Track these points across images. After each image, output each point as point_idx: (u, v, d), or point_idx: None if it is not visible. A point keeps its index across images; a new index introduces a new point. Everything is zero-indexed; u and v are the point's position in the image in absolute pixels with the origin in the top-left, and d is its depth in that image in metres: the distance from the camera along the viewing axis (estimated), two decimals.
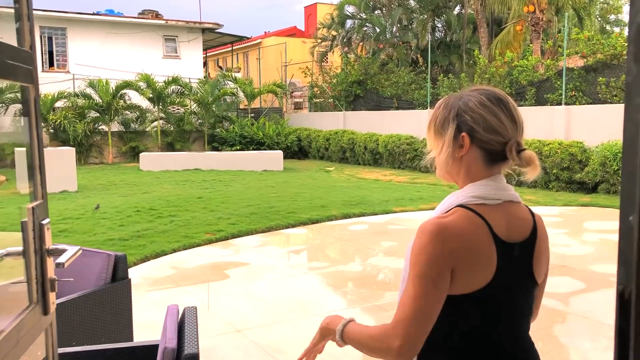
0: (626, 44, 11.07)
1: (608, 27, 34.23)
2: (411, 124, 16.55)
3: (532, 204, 10.31)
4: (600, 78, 12.32)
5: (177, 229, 7.84)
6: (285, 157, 17.99)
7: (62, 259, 1.42)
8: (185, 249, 6.99)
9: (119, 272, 3.39)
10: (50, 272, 1.38)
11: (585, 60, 13.13)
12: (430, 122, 1.45)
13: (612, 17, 35.60)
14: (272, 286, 5.58)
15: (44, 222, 1.35)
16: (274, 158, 16.95)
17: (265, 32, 37.96)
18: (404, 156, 15.97)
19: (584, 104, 12.73)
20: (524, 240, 1.41)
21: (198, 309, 2.29)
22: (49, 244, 1.37)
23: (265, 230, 8.01)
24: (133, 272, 5.99)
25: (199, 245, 7.18)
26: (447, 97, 1.45)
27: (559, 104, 13.02)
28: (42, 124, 17.02)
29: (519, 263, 1.39)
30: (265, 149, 19.01)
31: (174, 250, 6.86)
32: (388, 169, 16.33)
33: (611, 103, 12.05)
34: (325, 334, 1.47)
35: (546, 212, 9.42)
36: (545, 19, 16.61)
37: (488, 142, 1.35)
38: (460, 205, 1.34)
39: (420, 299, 1.27)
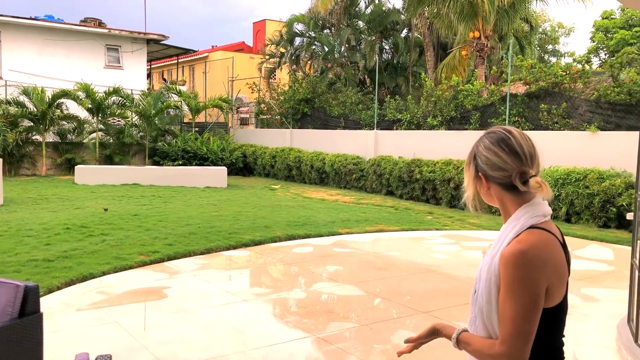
0: (566, 73, 11.30)
1: (546, 57, 35.69)
2: (358, 144, 16.49)
3: (476, 227, 10.33)
4: (542, 105, 12.59)
5: (108, 250, 7.31)
6: (229, 174, 17.57)
7: None
8: (116, 271, 6.49)
9: (28, 305, 2.95)
10: None
11: (528, 87, 13.41)
12: (465, 164, 1.75)
13: (550, 47, 37.17)
14: (209, 315, 5.19)
15: None
16: (217, 174, 16.49)
17: (212, 46, 37.47)
18: (350, 176, 15.85)
19: (526, 130, 12.96)
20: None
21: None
22: None
23: (204, 252, 7.59)
24: (55, 298, 5.47)
25: (131, 267, 6.69)
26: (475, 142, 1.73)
27: None
28: None
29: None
30: (209, 165, 18.51)
31: (104, 273, 6.35)
32: (334, 188, 16.15)
33: (552, 130, 12.31)
34: (437, 334, 1.72)
35: (490, 236, 9.41)
36: (490, 45, 16.98)
37: (497, 178, 1.62)
38: (532, 227, 1.54)
39: (523, 323, 1.46)
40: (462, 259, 7.63)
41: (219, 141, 20.01)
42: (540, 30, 32.27)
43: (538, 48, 32.85)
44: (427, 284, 6.32)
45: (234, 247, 7.95)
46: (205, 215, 10.29)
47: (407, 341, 1.75)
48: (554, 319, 1.55)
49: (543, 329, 1.52)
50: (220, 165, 18.32)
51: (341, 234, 9.15)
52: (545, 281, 1.47)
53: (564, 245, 1.59)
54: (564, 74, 12.67)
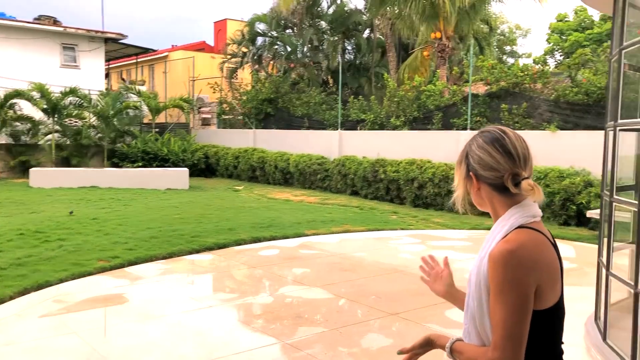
0: (525, 73, 11.45)
1: (504, 58, 36.39)
2: (322, 144, 16.42)
3: (440, 226, 10.38)
4: (503, 105, 12.77)
5: (65, 256, 7.02)
6: (191, 175, 17.25)
7: None
8: (74, 278, 6.23)
9: None
10: None
11: (489, 87, 13.58)
12: (456, 162, 1.71)
13: (508, 48, 37.93)
14: (172, 323, 5.01)
15: None
16: (179, 176, 16.17)
17: (172, 46, 36.83)
18: (315, 176, 15.76)
19: None
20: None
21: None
22: None
23: (166, 257, 7.37)
24: (8, 308, 5.21)
25: (90, 274, 6.44)
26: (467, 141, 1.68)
27: (465, 128, 13.35)
28: None
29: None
30: (169, 166, 18.13)
31: (61, 281, 6.08)
32: (299, 189, 16.04)
33: (513, 129, 12.48)
34: (431, 345, 1.67)
35: (455, 235, 9.48)
36: (451, 46, 17.16)
37: (489, 178, 1.57)
38: (520, 226, 1.50)
39: (514, 326, 1.41)
40: None
41: (180, 142, 19.63)
42: (499, 31, 32.88)
43: (497, 49, 33.46)
44: (394, 285, 6.27)
45: (197, 251, 7.75)
46: (167, 218, 10.04)
47: (400, 352, 1.70)
48: (549, 323, 1.49)
49: (539, 333, 1.48)
50: (182, 167, 17.98)
51: (307, 235, 9.05)
52: (535, 282, 1.43)
53: (554, 246, 1.54)
54: (523, 74, 12.88)
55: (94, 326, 4.92)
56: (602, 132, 9.49)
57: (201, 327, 4.92)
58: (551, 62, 36.43)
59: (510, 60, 35.70)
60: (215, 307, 5.49)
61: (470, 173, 1.60)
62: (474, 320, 1.52)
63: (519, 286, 1.41)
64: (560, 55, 36.64)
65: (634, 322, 3.34)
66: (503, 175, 1.53)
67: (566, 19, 37.69)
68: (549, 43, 37.89)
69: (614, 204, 3.76)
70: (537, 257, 1.45)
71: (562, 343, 1.56)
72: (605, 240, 3.95)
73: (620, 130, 3.71)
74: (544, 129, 11.77)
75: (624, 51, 3.64)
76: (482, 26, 21.55)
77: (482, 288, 1.48)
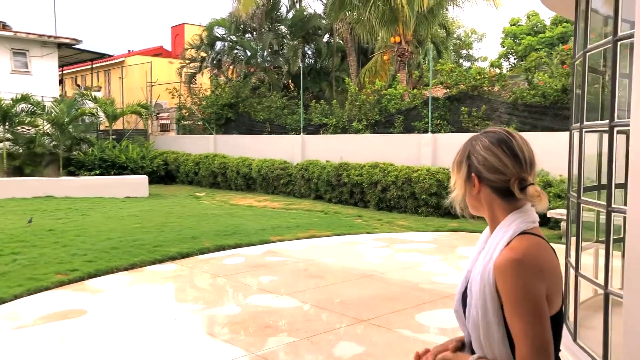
0: (483, 77, 11.61)
1: (461, 61, 37.06)
2: (285, 148, 16.32)
3: (405, 229, 10.42)
4: (463, 108, 12.94)
5: (20, 270, 6.72)
6: (150, 183, 16.89)
7: None
8: (30, 294, 5.95)
9: None
10: None
11: (448, 90, 13.75)
12: (452, 163, 1.61)
13: (464, 52, 38.66)
14: (136, 337, 4.82)
15: None
16: (138, 183, 15.81)
17: (129, 51, 36.12)
18: (278, 181, 15.64)
19: (448, 132, 13.28)
20: None
21: None
22: None
23: (128, 268, 7.14)
24: None
25: (47, 289, 6.16)
26: (466, 140, 1.60)
27: (426, 131, 13.48)
28: None
29: None
30: (128, 174, 17.70)
31: (15, 297, 5.80)
32: (262, 194, 15.88)
33: (473, 131, 12.66)
34: None
35: (420, 238, 9.52)
36: (410, 50, 17.33)
37: (493, 181, 1.51)
38: (523, 232, 1.46)
39: (539, 335, 1.36)
40: (395, 263, 7.62)
41: (139, 149, 19.19)
42: (455, 35, 33.46)
43: (453, 53, 34.04)
44: (364, 290, 6.22)
45: (160, 261, 7.54)
46: (127, 228, 9.76)
47: None
48: (555, 329, 1.45)
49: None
50: (141, 174, 17.58)
51: (273, 241, 8.94)
52: (544, 287, 1.40)
53: (554, 251, 1.51)
54: (481, 77, 13.08)
55: (52, 344, 4.70)
56: (560, 133, 9.67)
57: (167, 341, 4.75)
58: (505, 65, 37.33)
59: (467, 64, 36.41)
60: (180, 319, 5.32)
61: (473, 175, 1.53)
62: (476, 329, 1.46)
63: (533, 294, 1.37)
64: (515, 59, 37.57)
65: (604, 323, 3.37)
66: (509, 179, 1.48)
67: (519, 23, 38.68)
68: (503, 47, 38.80)
69: (582, 205, 3.79)
70: (543, 263, 1.41)
71: (560, 350, 1.53)
72: (574, 240, 3.99)
73: (587, 132, 3.75)
74: None
75: (588, 54, 3.68)
76: (439, 31, 21.85)
77: (486, 296, 1.43)
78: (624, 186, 4.47)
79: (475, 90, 13.09)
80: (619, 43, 3.22)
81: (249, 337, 4.83)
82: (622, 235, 4.59)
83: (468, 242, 9.06)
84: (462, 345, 1.60)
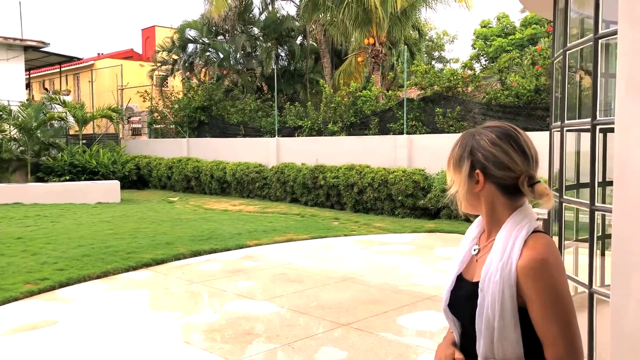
0: (457, 78, 11.70)
1: (433, 63, 37.39)
2: (260, 151, 16.16)
3: (382, 231, 10.38)
4: (438, 109, 12.98)
5: None
6: (122, 188, 16.56)
7: None
8: None
9: None
10: None
11: (423, 91, 13.79)
12: (449, 160, 1.54)
13: (436, 53, 39.02)
14: (111, 348, 4.65)
15: None
16: (109, 189, 15.48)
17: (99, 54, 35.53)
18: (253, 185, 15.48)
19: (423, 133, 13.31)
20: None
21: None
22: None
23: (100, 276, 6.94)
24: None
25: (16, 299, 5.94)
26: (462, 135, 1.53)
27: (401, 133, 13.49)
28: None
29: None
30: (99, 179, 17.32)
31: None
32: (237, 198, 15.70)
33: (448, 132, 12.72)
34: None
35: (398, 239, 9.48)
36: (384, 52, 17.36)
37: (501, 178, 1.45)
38: (535, 231, 1.43)
39: (575, 336, 1.36)
40: (374, 265, 7.56)
41: (110, 153, 18.81)
42: (427, 37, 33.73)
43: (426, 55, 34.32)
44: (344, 294, 6.14)
45: (134, 268, 7.35)
46: (99, 234, 9.51)
47: None
48: None
49: None
50: (112, 179, 17.23)
51: (249, 246, 8.80)
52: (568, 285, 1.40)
53: None
54: (454, 78, 13.14)
55: (22, 356, 4.50)
56: (534, 133, 9.72)
57: (142, 350, 4.60)
58: (477, 67, 37.75)
59: (439, 66, 36.74)
60: (156, 327, 5.16)
61: (477, 171, 1.46)
62: (490, 331, 1.41)
63: (565, 294, 1.37)
64: (486, 60, 38.03)
65: (589, 323, 3.34)
66: (518, 176, 1.43)
67: (490, 25, 39.20)
68: (475, 48, 39.27)
69: (564, 204, 3.78)
70: (561, 260, 1.40)
71: None
72: (554, 239, 3.97)
73: (568, 131, 3.74)
74: None
75: (568, 52, 3.67)
76: (412, 33, 21.96)
77: (505, 298, 1.38)
78: (601, 185, 4.49)
79: (449, 92, 13.15)
80: (599, 41, 3.20)
81: (228, 344, 4.71)
82: (600, 234, 4.61)
83: (446, 243, 9.07)
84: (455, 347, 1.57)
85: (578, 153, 4.29)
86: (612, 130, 4.32)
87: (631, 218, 2.15)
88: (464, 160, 1.49)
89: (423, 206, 11.77)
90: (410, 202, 11.85)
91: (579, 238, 4.60)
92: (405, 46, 20.42)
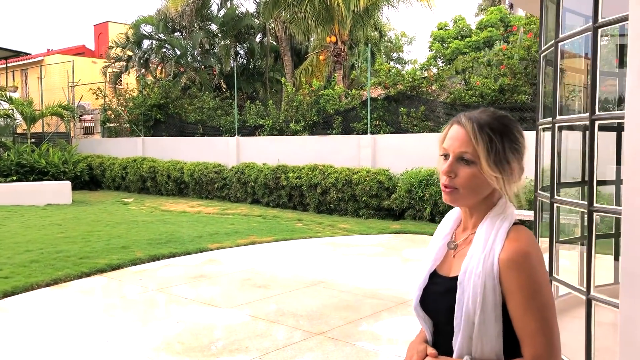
0: (421, 77, 11.56)
1: (392, 63, 37.54)
2: (219, 151, 15.68)
3: (348, 232, 10.13)
4: (402, 108, 12.83)
5: None
6: (74, 189, 15.84)
7: None
8: None
9: None
10: None
11: (387, 91, 13.62)
12: (468, 133, 1.42)
13: (395, 54, 39.21)
14: None
15: None
16: (60, 190, 14.75)
17: (48, 50, 34.17)
18: (212, 185, 15.00)
19: (387, 133, 13.14)
20: None
21: None
22: None
23: (50, 284, 6.42)
24: None
25: None
26: (480, 116, 1.42)
27: (365, 132, 13.28)
28: None
29: None
30: (49, 180, 16.50)
31: None
32: (195, 199, 15.18)
33: (412, 132, 12.59)
34: None
35: (364, 241, 9.24)
36: (346, 50, 17.16)
37: (515, 170, 1.42)
38: (516, 223, 1.41)
39: (554, 333, 1.32)
40: (343, 268, 7.28)
41: (60, 153, 17.96)
42: (386, 38, 33.81)
43: (384, 55, 34.41)
44: (314, 300, 5.83)
45: (88, 275, 6.86)
46: (48, 238, 8.92)
47: None
48: None
49: None
50: (63, 180, 16.44)
51: (211, 249, 8.39)
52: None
53: None
54: (418, 77, 13.03)
55: None
56: None
57: None
58: (434, 70, 38.09)
59: (397, 67, 36.89)
60: (113, 339, 4.73)
61: (513, 162, 1.40)
62: (469, 325, 1.36)
63: (545, 287, 1.34)
64: (443, 62, 38.43)
65: (587, 330, 3.14)
66: (522, 170, 1.45)
67: (446, 27, 39.64)
68: (432, 50, 39.65)
69: (555, 204, 3.57)
70: (542, 254, 1.37)
71: None
72: (542, 241, 3.78)
73: (560, 128, 3.54)
74: (441, 131, 11.93)
75: (560, 44, 3.47)
76: (373, 32, 21.87)
77: (487, 289, 1.34)
78: (581, 184, 4.33)
79: (413, 91, 13.02)
80: (599, 30, 3.00)
81: (194, 358, 4.33)
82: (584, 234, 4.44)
83: (413, 244, 8.88)
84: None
85: (564, 151, 4.11)
86: (610, 127, 4.14)
87: None
88: (496, 144, 1.39)
89: (387, 207, 11.58)
90: (375, 203, 11.65)
91: (560, 240, 4.44)
92: (367, 45, 20.32)
